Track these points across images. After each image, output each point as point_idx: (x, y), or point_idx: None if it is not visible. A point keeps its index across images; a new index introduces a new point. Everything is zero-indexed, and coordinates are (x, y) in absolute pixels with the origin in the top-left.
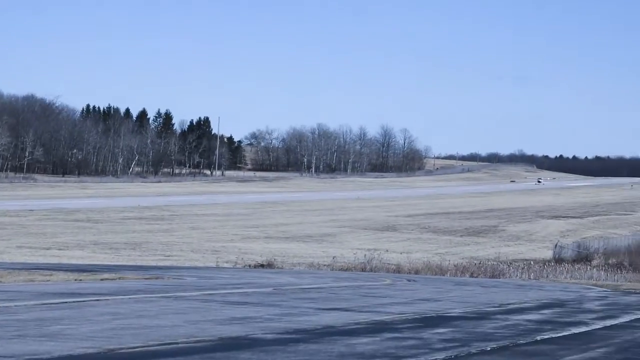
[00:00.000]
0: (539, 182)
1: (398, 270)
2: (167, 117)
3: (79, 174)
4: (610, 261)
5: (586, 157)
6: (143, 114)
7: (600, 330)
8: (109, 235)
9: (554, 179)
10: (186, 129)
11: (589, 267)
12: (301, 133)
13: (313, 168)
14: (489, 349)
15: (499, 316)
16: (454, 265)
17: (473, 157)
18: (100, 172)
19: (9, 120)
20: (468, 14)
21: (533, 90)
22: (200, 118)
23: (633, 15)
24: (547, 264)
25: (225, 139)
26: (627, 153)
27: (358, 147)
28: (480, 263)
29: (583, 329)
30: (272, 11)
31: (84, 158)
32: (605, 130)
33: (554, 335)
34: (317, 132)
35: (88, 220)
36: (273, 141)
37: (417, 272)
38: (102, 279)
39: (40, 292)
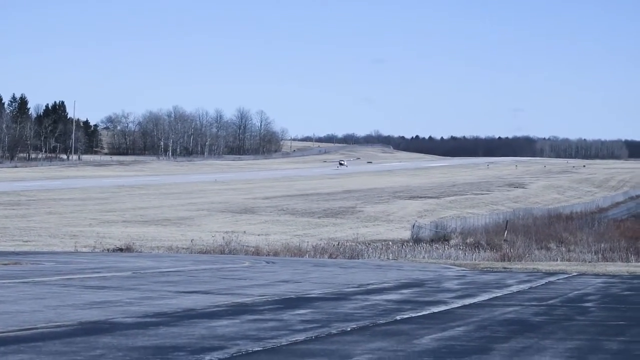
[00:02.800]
0: (340, 164)
1: (257, 252)
2: (23, 102)
3: None
4: (467, 240)
5: (442, 138)
6: None
7: (459, 309)
8: None
9: (358, 159)
10: (42, 114)
11: (447, 246)
12: (157, 116)
13: (170, 151)
14: (349, 329)
15: (358, 297)
16: (313, 247)
17: (330, 139)
18: None
19: None
20: None
21: (389, 72)
22: (55, 102)
23: None
24: (405, 244)
25: (81, 123)
26: (482, 133)
27: (215, 130)
28: (339, 244)
29: (442, 308)
30: None
31: None
32: (460, 111)
33: (413, 315)
34: (173, 115)
35: None
36: (129, 125)
37: (276, 253)
38: None
39: None
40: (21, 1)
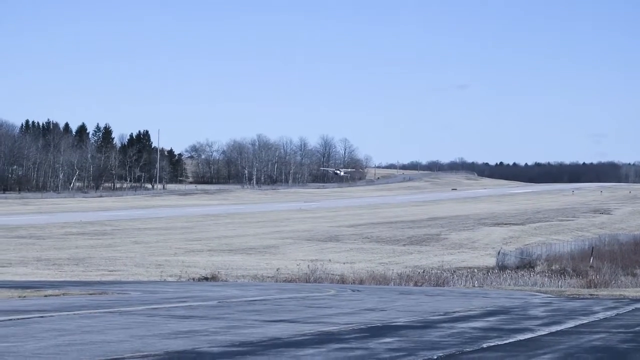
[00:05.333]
0: (335, 174)
1: (342, 280)
2: (107, 131)
3: (19, 190)
4: (553, 267)
5: (526, 164)
6: (82, 129)
7: (545, 336)
8: (51, 251)
9: (352, 169)
10: (126, 143)
11: (532, 273)
12: (241, 145)
13: (254, 180)
14: (435, 357)
15: (444, 324)
16: (398, 275)
17: (414, 166)
18: (41, 187)
19: None
20: (407, 23)
21: (472, 98)
22: (140, 131)
23: (568, 24)
24: (490, 271)
25: (165, 152)
26: (567, 159)
27: (299, 157)
28: (424, 272)
29: (529, 335)
30: (205, 23)
31: (24, 174)
32: (545, 137)
33: (500, 343)
34: (257, 144)
35: (30, 236)
36: (213, 153)
37: (361, 282)
38: (46, 295)
39: None
40: (104, 39)
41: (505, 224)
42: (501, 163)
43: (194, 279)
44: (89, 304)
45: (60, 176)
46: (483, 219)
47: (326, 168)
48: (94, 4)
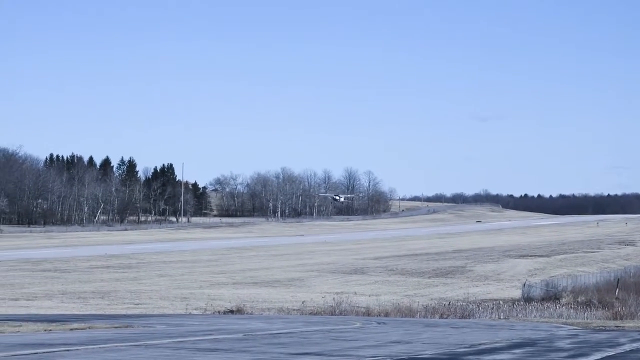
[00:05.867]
0: (334, 199)
1: (367, 312)
2: (131, 165)
3: (44, 224)
4: (579, 299)
5: (551, 196)
6: (106, 162)
7: None
8: (76, 284)
9: (352, 195)
10: (150, 176)
11: (558, 305)
12: (266, 178)
13: (279, 212)
14: None
15: (470, 357)
16: (424, 307)
17: (438, 198)
18: (65, 221)
19: None
20: (430, 54)
21: (496, 130)
22: (164, 165)
23: (593, 56)
24: (516, 303)
25: (190, 186)
26: (592, 191)
27: (323, 190)
28: (449, 304)
29: None
30: (229, 56)
31: (49, 207)
32: (570, 169)
33: None
34: (281, 177)
35: (55, 270)
36: (238, 186)
37: (386, 314)
38: (71, 329)
39: (10, 344)
40: (127, 72)
41: (531, 256)
42: (525, 195)
43: (219, 312)
44: (115, 337)
45: (85, 210)
46: (508, 251)
47: (325, 194)
48: (116, 40)
